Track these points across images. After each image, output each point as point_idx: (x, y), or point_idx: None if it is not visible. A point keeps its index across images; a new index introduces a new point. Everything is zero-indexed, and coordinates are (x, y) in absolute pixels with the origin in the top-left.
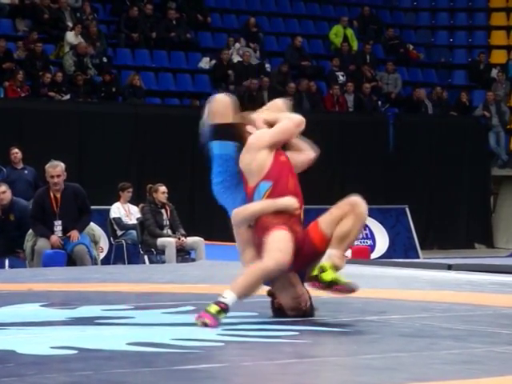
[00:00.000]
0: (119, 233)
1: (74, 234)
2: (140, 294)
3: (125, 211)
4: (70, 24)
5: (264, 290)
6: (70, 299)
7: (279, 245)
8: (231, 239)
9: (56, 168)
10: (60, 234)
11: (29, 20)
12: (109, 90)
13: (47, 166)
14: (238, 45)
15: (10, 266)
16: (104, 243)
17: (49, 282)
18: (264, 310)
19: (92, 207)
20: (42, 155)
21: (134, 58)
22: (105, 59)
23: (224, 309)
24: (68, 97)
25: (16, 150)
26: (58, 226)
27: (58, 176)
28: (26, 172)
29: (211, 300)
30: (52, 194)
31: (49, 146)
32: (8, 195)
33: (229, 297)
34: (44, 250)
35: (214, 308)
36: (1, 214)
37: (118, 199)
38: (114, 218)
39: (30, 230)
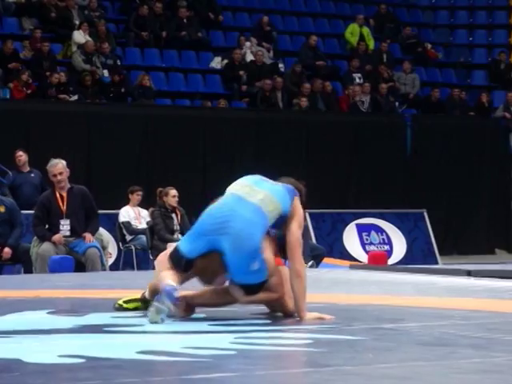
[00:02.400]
0: (128, 237)
1: (89, 235)
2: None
3: (134, 215)
4: (77, 22)
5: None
6: (78, 306)
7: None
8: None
9: (57, 166)
10: (67, 234)
11: (35, 19)
12: (118, 90)
13: (48, 167)
14: (248, 44)
15: None
16: (112, 248)
17: (56, 288)
18: (278, 318)
19: (100, 211)
20: (48, 158)
21: (144, 58)
22: (118, 61)
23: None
24: (76, 97)
25: (20, 153)
26: (65, 225)
27: (61, 173)
28: (32, 175)
29: (225, 308)
30: (58, 194)
31: (56, 148)
32: None
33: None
34: (48, 254)
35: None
36: None
37: (127, 203)
38: (122, 223)
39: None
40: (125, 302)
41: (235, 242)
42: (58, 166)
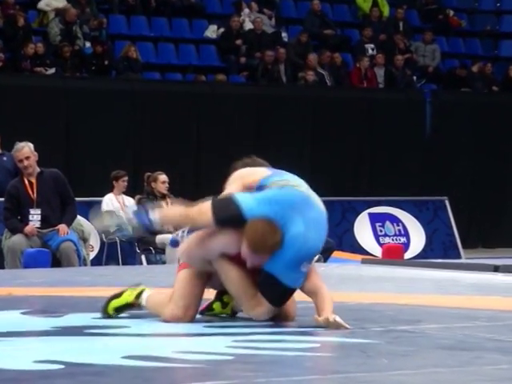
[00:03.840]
0: (112, 229)
1: (63, 227)
2: None
3: (119, 204)
4: None
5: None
6: (56, 305)
7: None
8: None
9: (22, 150)
10: (38, 225)
11: None
12: (101, 63)
13: (13, 151)
14: (247, 10)
15: None
16: (95, 241)
17: (31, 285)
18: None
19: (81, 199)
20: (22, 139)
21: (130, 26)
22: (104, 32)
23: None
24: (53, 71)
25: None
26: (35, 214)
27: (28, 158)
28: (4, 159)
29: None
30: (26, 181)
31: (30, 128)
32: None
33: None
34: (19, 247)
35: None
36: None
37: (111, 190)
38: (106, 212)
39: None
40: (116, 310)
41: (308, 231)
42: (24, 150)
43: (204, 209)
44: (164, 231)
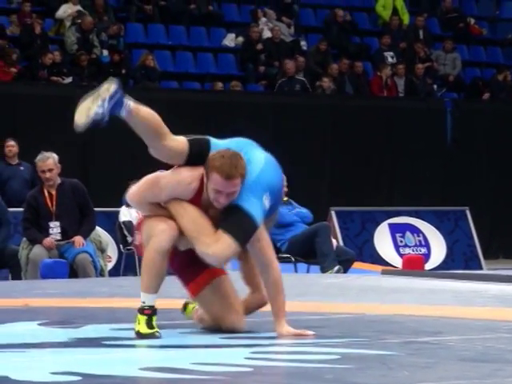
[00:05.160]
0: (130, 239)
1: (79, 239)
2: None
3: (136, 214)
4: None
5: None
6: (73, 317)
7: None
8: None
9: (46, 161)
10: (58, 237)
11: None
12: (118, 71)
13: (37, 160)
14: (264, 19)
15: None
16: (112, 251)
17: (48, 296)
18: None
19: (99, 209)
20: (38, 148)
21: (147, 35)
22: (121, 40)
23: (150, 314)
24: (70, 80)
25: (12, 143)
26: (54, 227)
27: (50, 170)
28: (21, 168)
29: None
30: (46, 192)
31: (47, 137)
32: None
33: (144, 298)
34: (40, 258)
35: (142, 325)
36: None
37: None
38: (123, 222)
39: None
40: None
41: (268, 166)
42: (48, 162)
43: (225, 243)
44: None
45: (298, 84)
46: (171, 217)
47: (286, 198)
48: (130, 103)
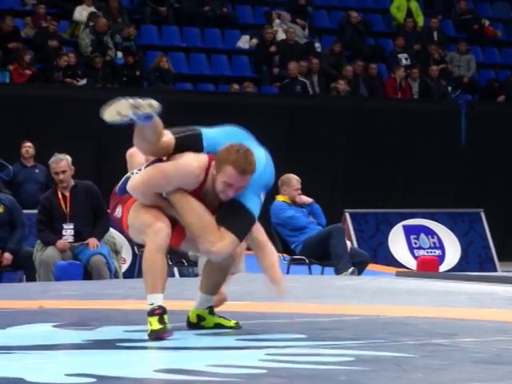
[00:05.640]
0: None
1: (93, 241)
2: (169, 313)
3: None
4: None
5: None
6: (88, 318)
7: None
8: (276, 249)
9: (60, 163)
10: (71, 240)
11: None
12: (132, 73)
13: (50, 162)
14: (277, 21)
15: None
16: (127, 253)
17: (62, 298)
18: (314, 332)
19: None
20: (52, 150)
21: (162, 37)
22: (133, 44)
23: (161, 313)
24: (84, 82)
25: (29, 144)
26: (68, 229)
27: (64, 172)
28: (36, 171)
29: (254, 319)
30: (60, 194)
31: (61, 139)
32: None
33: (152, 299)
34: (52, 260)
35: (154, 323)
36: None
37: None
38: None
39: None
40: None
41: (267, 163)
42: (62, 164)
43: (228, 240)
44: None
45: (299, 85)
46: (163, 208)
47: (310, 200)
48: (155, 116)
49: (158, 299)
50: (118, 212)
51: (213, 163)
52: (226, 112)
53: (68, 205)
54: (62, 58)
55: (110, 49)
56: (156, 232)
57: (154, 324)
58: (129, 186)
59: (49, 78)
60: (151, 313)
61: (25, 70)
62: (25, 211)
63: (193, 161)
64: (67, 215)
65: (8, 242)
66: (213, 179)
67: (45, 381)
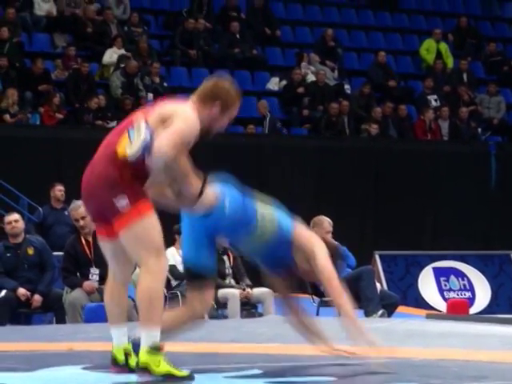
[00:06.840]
0: (174, 283)
1: None
2: (198, 355)
3: (180, 258)
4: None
5: None
6: None
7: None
8: (304, 291)
9: (78, 209)
10: (97, 285)
11: (69, 35)
12: None
13: (69, 209)
14: (304, 64)
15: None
16: None
17: (92, 340)
18: (345, 375)
19: None
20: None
21: (191, 78)
22: (164, 83)
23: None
24: (114, 124)
25: (61, 187)
26: (94, 274)
27: (83, 218)
28: (66, 213)
29: (284, 362)
30: (83, 239)
31: None
32: (21, 225)
33: (156, 333)
34: (80, 302)
35: (166, 366)
36: (13, 247)
37: (172, 243)
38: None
39: None
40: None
41: None
42: (80, 210)
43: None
44: (226, 285)
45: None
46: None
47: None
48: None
49: (152, 335)
50: (123, 203)
51: (215, 109)
52: (256, 153)
53: (92, 250)
54: (93, 99)
55: (140, 90)
56: (163, 268)
57: (167, 366)
58: (159, 153)
59: (78, 119)
60: (158, 349)
61: (55, 113)
62: (55, 253)
63: (190, 113)
64: (92, 260)
65: (38, 284)
66: (210, 120)
67: None
